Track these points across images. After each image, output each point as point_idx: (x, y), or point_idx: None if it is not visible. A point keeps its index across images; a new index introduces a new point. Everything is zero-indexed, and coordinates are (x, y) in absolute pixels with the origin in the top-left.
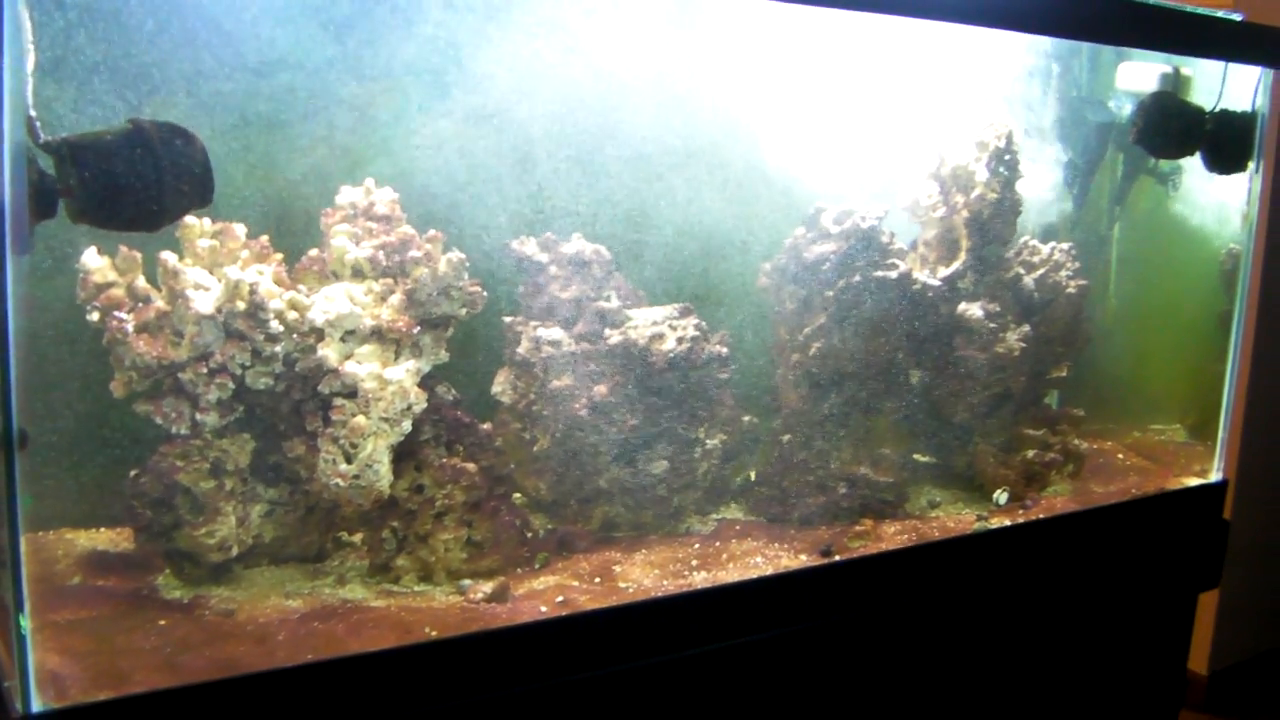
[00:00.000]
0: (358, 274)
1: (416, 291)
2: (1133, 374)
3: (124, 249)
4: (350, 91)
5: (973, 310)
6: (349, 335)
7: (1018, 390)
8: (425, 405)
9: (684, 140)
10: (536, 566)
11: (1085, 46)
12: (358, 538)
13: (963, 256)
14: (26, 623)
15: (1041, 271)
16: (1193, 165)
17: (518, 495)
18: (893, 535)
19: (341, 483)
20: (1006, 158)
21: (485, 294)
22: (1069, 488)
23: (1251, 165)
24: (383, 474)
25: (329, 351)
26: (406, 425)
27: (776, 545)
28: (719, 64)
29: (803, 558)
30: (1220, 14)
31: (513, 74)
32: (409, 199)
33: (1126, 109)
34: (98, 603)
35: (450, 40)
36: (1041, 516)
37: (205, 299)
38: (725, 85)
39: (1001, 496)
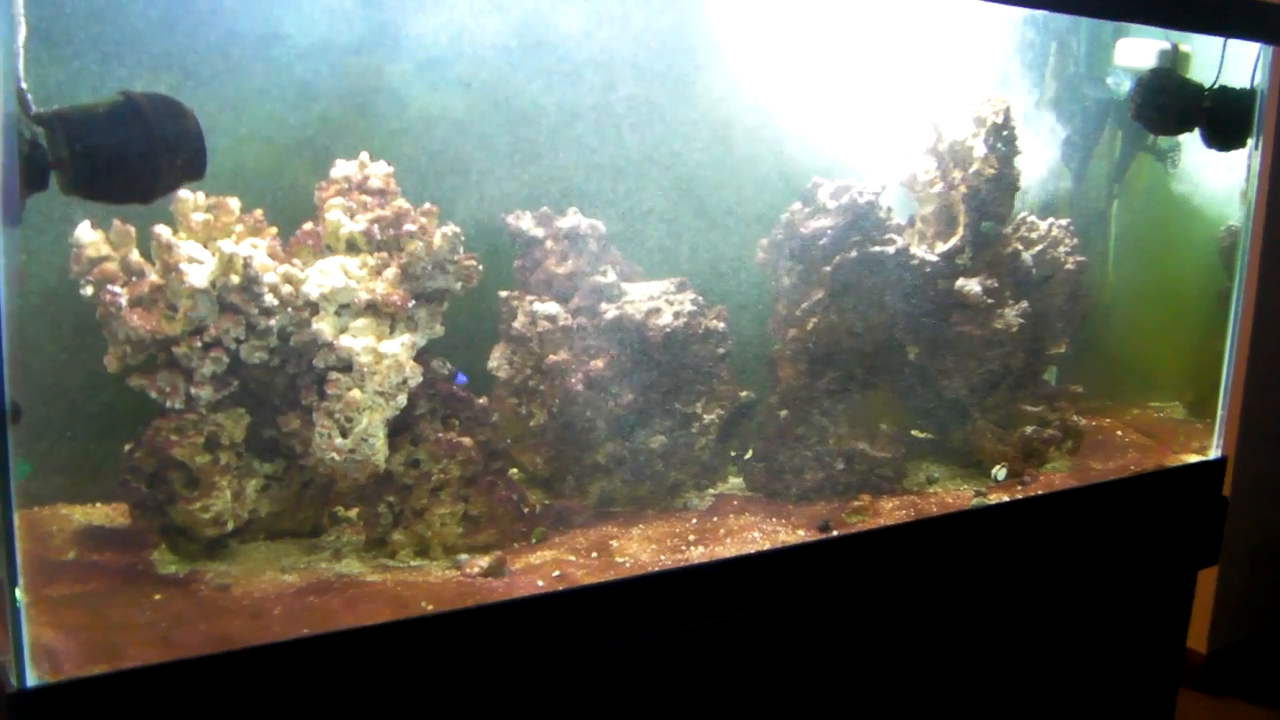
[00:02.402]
0: (352, 248)
1: (411, 265)
2: (1132, 351)
3: (118, 223)
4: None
5: (971, 286)
6: (344, 309)
7: (1016, 366)
8: (420, 379)
9: (682, 114)
10: (533, 541)
11: (1084, 22)
12: (353, 512)
13: (960, 232)
14: (21, 597)
15: (1040, 248)
16: (1192, 142)
17: (514, 470)
18: (890, 511)
19: (337, 457)
20: (1004, 133)
21: (481, 268)
22: (1067, 464)
23: (1250, 142)
24: (378, 448)
25: (324, 325)
26: (402, 399)
27: (774, 520)
28: (718, 37)
29: (800, 533)
30: None
31: (512, 46)
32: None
33: (1125, 85)
34: (93, 578)
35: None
36: (1040, 493)
37: (199, 272)
38: (725, 59)
39: (1000, 473)
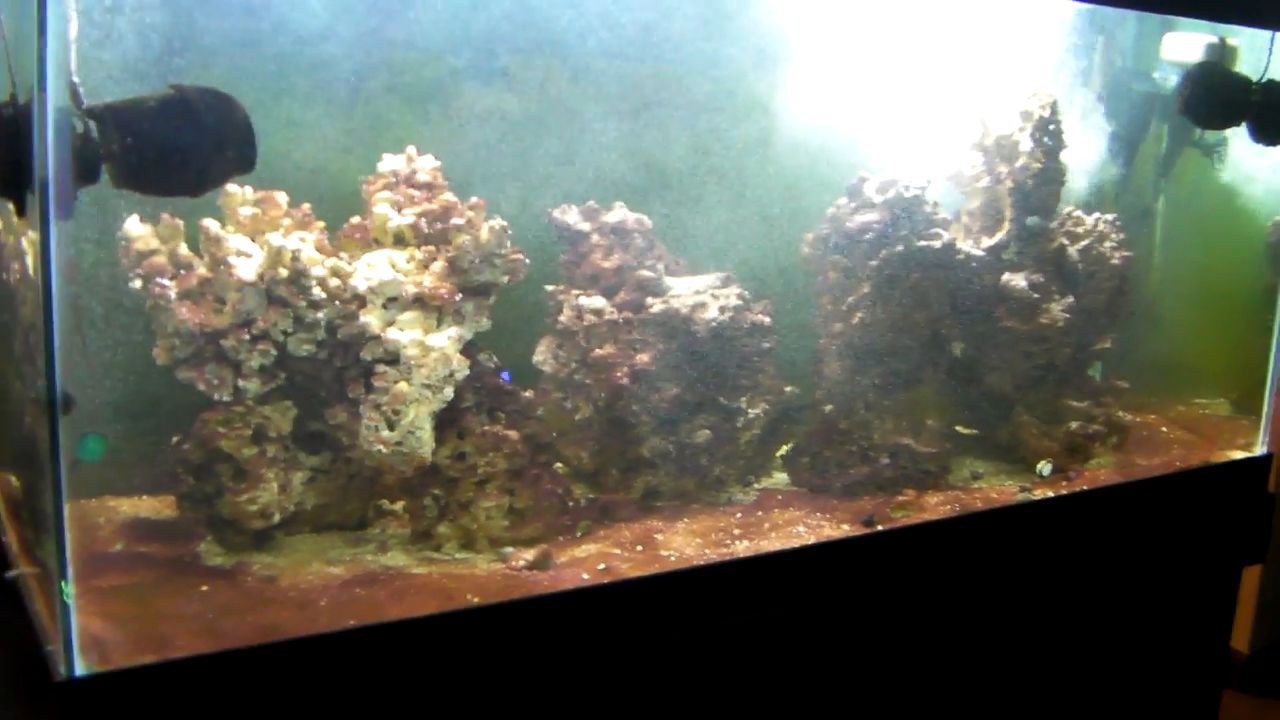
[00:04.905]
0: (400, 241)
1: (459, 259)
2: (1177, 347)
3: (166, 216)
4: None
5: (1016, 281)
6: (391, 302)
7: (1061, 362)
8: (467, 372)
9: (729, 108)
10: (578, 535)
11: (1131, 16)
12: (399, 505)
13: (1006, 227)
14: (69, 588)
15: (1086, 242)
16: (1239, 136)
17: (559, 464)
18: (935, 506)
19: (384, 449)
20: (1050, 127)
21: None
22: (1112, 460)
23: None
24: (425, 441)
25: (371, 318)
26: (448, 392)
27: (818, 515)
28: (766, 31)
29: (845, 527)
30: None
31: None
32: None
33: (1172, 79)
34: (140, 569)
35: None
36: (1085, 489)
37: (248, 266)
38: (773, 53)
39: (1045, 468)
